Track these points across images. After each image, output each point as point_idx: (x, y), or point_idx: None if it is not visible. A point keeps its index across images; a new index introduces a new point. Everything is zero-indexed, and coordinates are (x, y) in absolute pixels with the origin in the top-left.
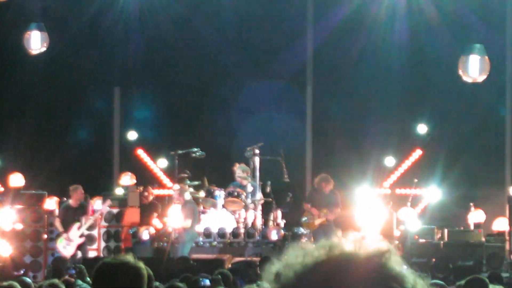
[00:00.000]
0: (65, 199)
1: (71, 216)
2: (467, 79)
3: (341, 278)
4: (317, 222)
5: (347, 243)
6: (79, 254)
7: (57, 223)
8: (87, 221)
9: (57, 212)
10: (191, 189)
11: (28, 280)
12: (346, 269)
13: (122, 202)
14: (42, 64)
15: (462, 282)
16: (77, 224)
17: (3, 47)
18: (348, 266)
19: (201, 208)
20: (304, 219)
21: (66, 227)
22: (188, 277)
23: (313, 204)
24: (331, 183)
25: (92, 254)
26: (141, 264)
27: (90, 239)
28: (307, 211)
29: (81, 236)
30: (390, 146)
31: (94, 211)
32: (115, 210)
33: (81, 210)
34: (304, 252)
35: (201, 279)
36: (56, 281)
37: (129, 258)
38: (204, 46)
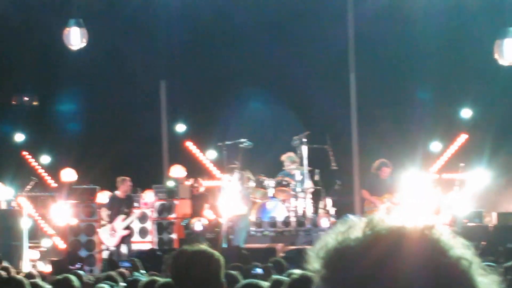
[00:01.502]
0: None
1: (117, 207)
2: (503, 62)
3: (391, 252)
4: (382, 208)
5: (394, 219)
6: (125, 247)
7: (103, 213)
8: (132, 215)
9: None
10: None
11: (83, 273)
12: (396, 242)
13: (173, 194)
14: (87, 61)
15: (510, 263)
16: (122, 216)
17: (45, 44)
18: (397, 240)
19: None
20: (366, 208)
21: (112, 217)
22: (241, 266)
23: (372, 191)
24: (391, 167)
25: (145, 246)
26: (217, 253)
27: (143, 232)
28: (367, 199)
29: (126, 228)
30: (435, 131)
31: (146, 204)
32: (166, 203)
33: (128, 202)
34: (349, 227)
35: (254, 268)
36: (112, 273)
37: (205, 247)
38: (245, 36)
